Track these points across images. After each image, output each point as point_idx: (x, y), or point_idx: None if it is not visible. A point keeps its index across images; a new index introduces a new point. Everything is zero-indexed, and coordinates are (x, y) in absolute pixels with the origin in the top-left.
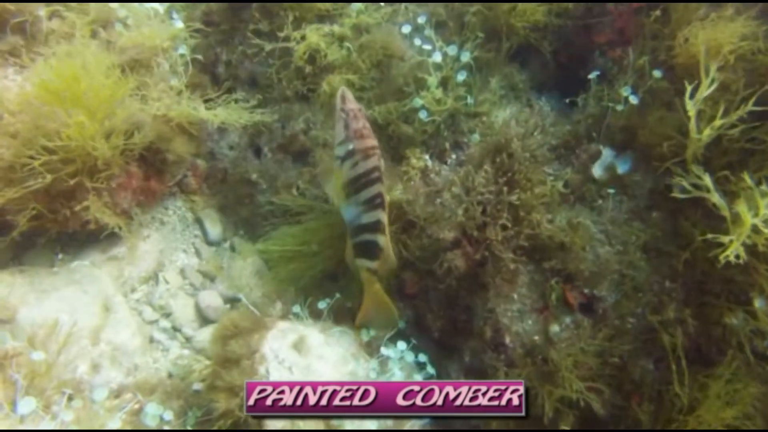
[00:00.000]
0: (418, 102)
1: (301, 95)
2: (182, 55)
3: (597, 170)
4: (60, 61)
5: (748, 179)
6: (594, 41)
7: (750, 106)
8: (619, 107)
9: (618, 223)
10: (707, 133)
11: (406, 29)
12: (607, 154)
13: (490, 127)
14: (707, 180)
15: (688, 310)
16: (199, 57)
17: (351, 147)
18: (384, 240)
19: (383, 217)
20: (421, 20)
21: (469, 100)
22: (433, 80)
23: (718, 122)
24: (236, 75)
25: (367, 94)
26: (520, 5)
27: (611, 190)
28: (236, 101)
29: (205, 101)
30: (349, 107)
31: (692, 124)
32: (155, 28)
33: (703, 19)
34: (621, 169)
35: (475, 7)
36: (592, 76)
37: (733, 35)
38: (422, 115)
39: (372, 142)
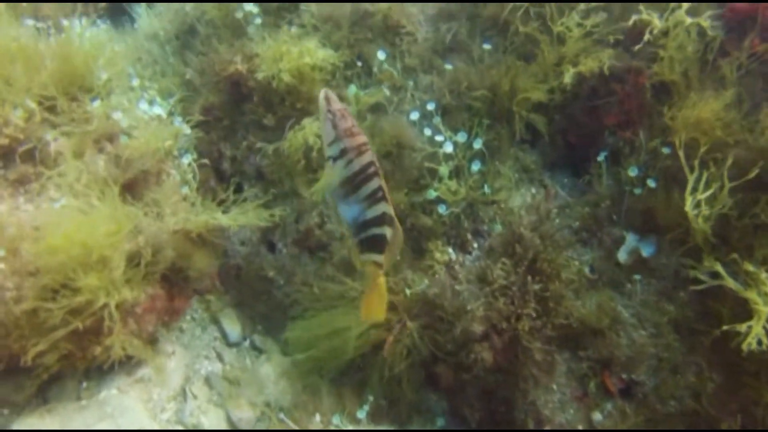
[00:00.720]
0: (432, 194)
1: (311, 187)
2: (190, 164)
3: (622, 255)
4: (69, 221)
5: (750, 266)
6: (602, 122)
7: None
8: (637, 191)
9: (649, 306)
10: (704, 218)
11: (415, 116)
12: (630, 239)
13: (509, 214)
14: (719, 268)
15: (727, 391)
16: (206, 162)
17: (342, 146)
18: (390, 232)
19: (388, 209)
20: (429, 107)
21: (486, 189)
22: (445, 170)
23: (705, 211)
24: (242, 171)
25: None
26: (519, 85)
27: (638, 276)
28: (246, 200)
29: (219, 203)
30: (335, 107)
31: (691, 216)
32: (158, 132)
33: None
34: (645, 252)
35: (479, 91)
36: (600, 158)
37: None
38: (442, 209)
39: (363, 138)
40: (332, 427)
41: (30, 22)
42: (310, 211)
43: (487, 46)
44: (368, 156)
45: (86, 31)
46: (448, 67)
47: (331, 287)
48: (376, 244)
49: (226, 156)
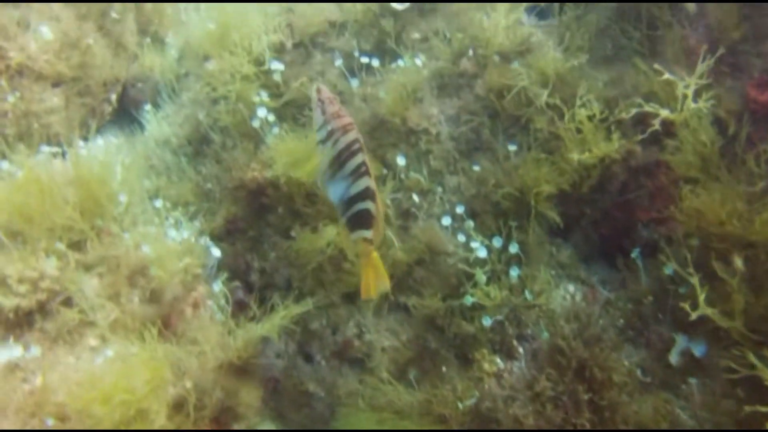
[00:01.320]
0: (469, 300)
1: (347, 297)
2: (221, 290)
3: (674, 358)
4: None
5: None
6: (635, 216)
7: None
8: (682, 290)
9: (707, 407)
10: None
11: (447, 222)
12: (680, 340)
13: (552, 317)
14: (752, 358)
15: None
16: (238, 285)
17: (330, 128)
18: (374, 207)
19: (371, 183)
20: (459, 210)
21: (528, 295)
22: (481, 277)
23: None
24: (273, 282)
25: (411, 297)
26: (541, 179)
27: (693, 380)
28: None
29: (251, 318)
30: (325, 95)
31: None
32: (187, 258)
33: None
34: (697, 352)
35: (506, 190)
36: (634, 254)
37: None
38: (486, 321)
39: (349, 119)
40: None
41: (45, 148)
42: (347, 322)
43: (512, 147)
44: (353, 134)
45: (96, 150)
46: (476, 168)
47: (378, 396)
48: (363, 220)
49: (255, 268)
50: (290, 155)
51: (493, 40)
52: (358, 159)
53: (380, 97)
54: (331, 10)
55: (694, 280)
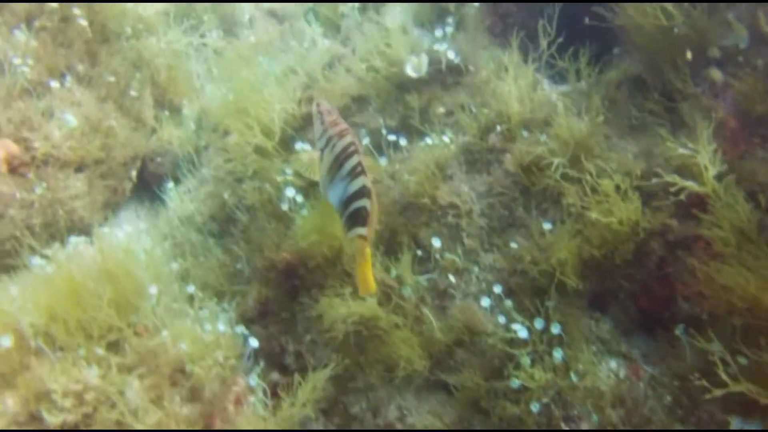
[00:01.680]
0: (516, 383)
1: (387, 380)
2: (258, 384)
3: None
4: None
5: None
6: (674, 290)
7: None
8: (730, 369)
9: None
10: None
11: (486, 303)
12: (735, 423)
13: (598, 397)
14: None
15: None
16: (275, 378)
17: (328, 135)
18: (370, 204)
19: (367, 182)
20: (497, 290)
21: (573, 377)
22: (525, 359)
23: None
24: (308, 365)
25: (452, 378)
26: (575, 251)
27: None
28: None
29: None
30: (323, 108)
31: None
32: (224, 351)
33: None
34: None
35: (540, 266)
36: (678, 331)
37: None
38: (534, 407)
39: (345, 126)
40: None
41: (72, 239)
42: (388, 404)
43: (547, 226)
44: (349, 138)
45: (121, 235)
46: (513, 245)
47: None
48: (359, 218)
49: (289, 351)
50: (320, 231)
51: (517, 113)
52: (354, 160)
53: (409, 176)
54: (350, 84)
55: (741, 360)
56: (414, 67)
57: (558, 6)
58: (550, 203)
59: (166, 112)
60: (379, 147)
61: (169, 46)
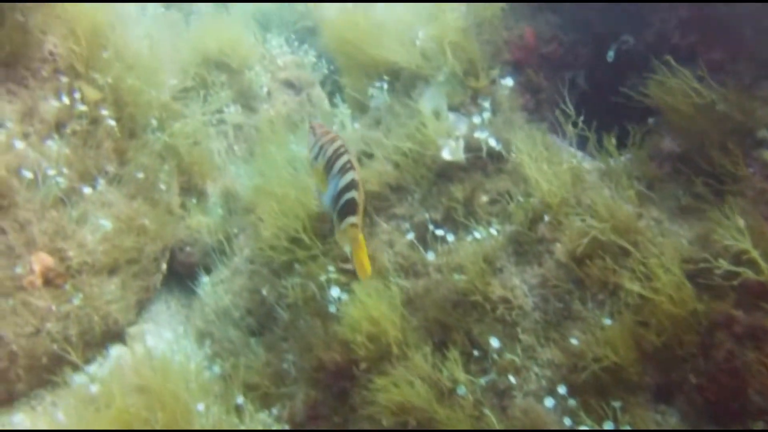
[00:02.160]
0: None
1: None
2: None
3: None
4: None
5: None
6: (745, 383)
7: None
8: None
9: None
10: None
11: (550, 404)
12: None
13: None
14: None
15: None
16: None
17: (320, 144)
18: (358, 195)
19: (356, 175)
20: (561, 391)
21: None
22: None
23: None
24: None
25: None
26: (636, 342)
27: None
28: None
29: None
30: (316, 123)
31: None
32: None
33: None
34: None
35: (602, 362)
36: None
37: None
38: None
39: (335, 134)
40: None
41: (112, 351)
42: None
43: (607, 322)
44: (339, 142)
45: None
46: (574, 342)
47: None
48: (350, 208)
49: None
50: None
51: (559, 198)
52: (344, 158)
53: (459, 275)
54: (387, 171)
55: None
56: (451, 152)
57: (589, 78)
58: (606, 294)
59: (194, 200)
60: (423, 240)
61: (192, 126)
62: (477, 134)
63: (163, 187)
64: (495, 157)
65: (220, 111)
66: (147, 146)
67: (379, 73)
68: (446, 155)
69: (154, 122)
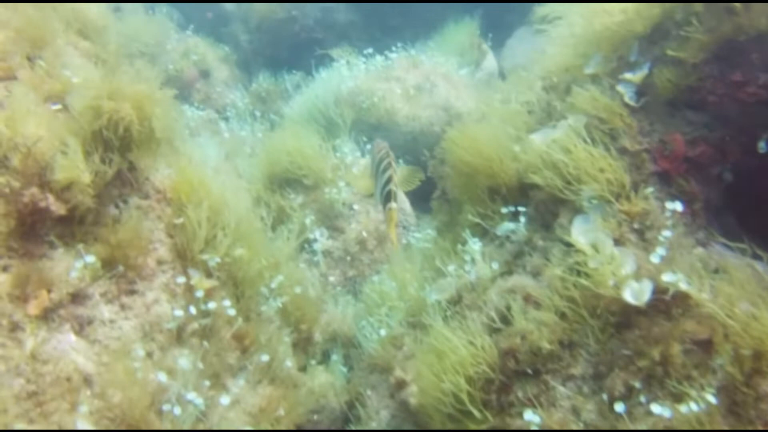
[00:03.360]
0: None
1: None
2: None
3: None
4: None
5: None
6: None
7: None
8: None
9: None
10: None
11: None
12: None
13: None
14: None
15: None
16: None
17: (378, 157)
18: (394, 187)
19: (393, 173)
20: None
21: None
22: None
23: None
24: None
25: None
26: None
27: None
28: None
29: None
30: (377, 142)
31: None
32: None
33: None
34: None
35: None
36: None
37: None
38: None
39: (386, 150)
40: None
41: None
42: None
43: None
44: (384, 153)
45: None
46: None
47: None
48: (389, 196)
49: None
50: None
51: None
52: (385, 161)
53: None
54: (553, 323)
55: None
56: (635, 294)
57: (736, 172)
58: None
59: (313, 361)
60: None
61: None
62: (666, 278)
63: (289, 363)
64: (678, 297)
65: (310, 242)
66: (263, 321)
67: (501, 193)
68: (630, 299)
69: (266, 291)
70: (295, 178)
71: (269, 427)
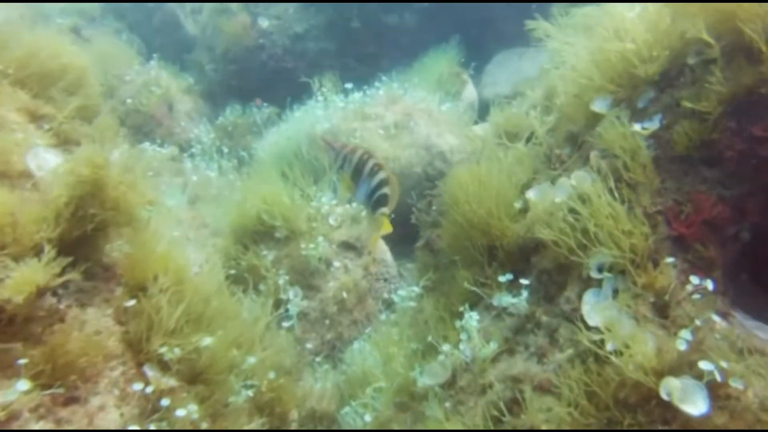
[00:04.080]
0: None
1: None
2: None
3: None
4: None
5: None
6: None
7: None
8: None
9: None
10: None
11: None
12: None
13: None
14: None
15: None
16: None
17: (342, 155)
18: (390, 190)
19: (385, 175)
20: None
21: None
22: None
23: None
24: None
25: None
26: None
27: None
28: None
29: None
30: (328, 138)
31: None
32: None
33: None
34: None
35: None
36: None
37: None
38: None
39: (354, 145)
40: None
41: None
42: None
43: None
44: (360, 151)
45: None
46: None
47: None
48: (382, 201)
49: None
50: None
51: None
52: (371, 162)
53: None
54: (565, 417)
55: None
56: (679, 396)
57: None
58: None
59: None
60: None
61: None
62: (703, 366)
63: None
64: (711, 386)
65: (283, 302)
66: (232, 413)
67: (493, 254)
68: (685, 408)
69: (236, 386)
70: (266, 231)
71: None
